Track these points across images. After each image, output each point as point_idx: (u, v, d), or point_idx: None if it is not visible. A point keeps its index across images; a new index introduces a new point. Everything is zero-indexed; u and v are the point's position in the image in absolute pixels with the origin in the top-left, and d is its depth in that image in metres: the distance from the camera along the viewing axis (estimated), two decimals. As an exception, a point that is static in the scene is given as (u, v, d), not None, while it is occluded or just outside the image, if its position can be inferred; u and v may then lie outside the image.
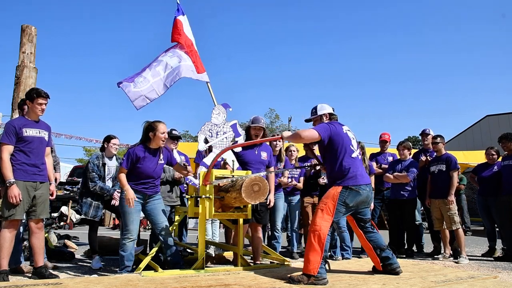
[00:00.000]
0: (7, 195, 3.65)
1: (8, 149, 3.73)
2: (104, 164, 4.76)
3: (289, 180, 5.57)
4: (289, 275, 3.44)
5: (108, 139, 4.87)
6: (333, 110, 4.02)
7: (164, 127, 4.13)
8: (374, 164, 6.09)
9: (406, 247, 5.89)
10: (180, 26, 5.96)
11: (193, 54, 5.87)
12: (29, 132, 3.82)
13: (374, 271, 3.85)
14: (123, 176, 4.01)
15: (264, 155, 4.60)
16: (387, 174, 5.84)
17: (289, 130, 4.74)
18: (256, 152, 4.57)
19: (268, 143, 4.90)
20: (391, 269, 3.73)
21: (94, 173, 4.65)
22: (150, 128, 4.11)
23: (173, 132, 5.14)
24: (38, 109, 3.87)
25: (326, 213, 3.53)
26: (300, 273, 3.43)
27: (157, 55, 5.77)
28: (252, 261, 4.60)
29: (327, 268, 3.53)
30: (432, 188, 5.70)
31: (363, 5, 70.65)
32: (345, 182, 3.60)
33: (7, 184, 3.66)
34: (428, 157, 6.05)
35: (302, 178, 5.76)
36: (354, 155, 3.72)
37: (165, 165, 4.37)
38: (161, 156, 4.20)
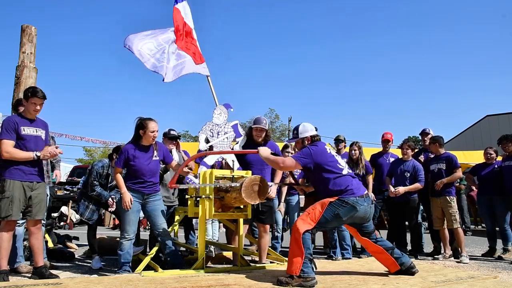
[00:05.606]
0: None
1: (10, 144, 3.67)
2: (108, 175, 4.75)
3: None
4: (278, 278, 3.39)
5: (117, 150, 4.82)
6: (316, 130, 3.90)
7: (154, 125, 4.09)
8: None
9: (410, 247, 5.86)
10: (177, 15, 6.02)
11: (190, 43, 5.88)
12: (27, 130, 3.78)
13: (394, 273, 3.73)
14: (119, 177, 4.02)
15: None
16: (399, 189, 5.54)
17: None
18: None
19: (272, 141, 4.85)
20: (406, 269, 3.67)
21: (96, 182, 4.65)
22: (140, 126, 4.11)
23: (171, 132, 5.04)
24: (32, 109, 3.81)
25: (311, 217, 3.50)
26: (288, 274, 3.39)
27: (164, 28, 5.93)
28: (251, 261, 4.59)
29: (314, 267, 3.47)
30: (432, 187, 5.70)
31: (363, 5, 70.71)
32: (340, 195, 3.54)
33: (35, 157, 3.70)
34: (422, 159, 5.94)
35: (300, 180, 5.75)
36: (344, 172, 3.66)
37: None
38: (155, 153, 4.17)
